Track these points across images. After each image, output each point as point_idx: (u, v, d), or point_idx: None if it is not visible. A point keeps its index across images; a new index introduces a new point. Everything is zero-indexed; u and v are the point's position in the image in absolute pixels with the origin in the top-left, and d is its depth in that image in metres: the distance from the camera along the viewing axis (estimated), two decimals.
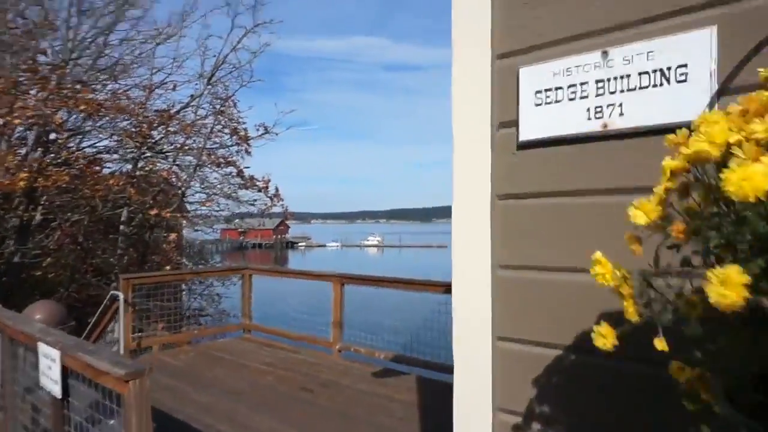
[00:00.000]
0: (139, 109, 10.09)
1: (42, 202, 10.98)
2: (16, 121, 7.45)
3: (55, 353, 2.75)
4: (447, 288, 5.36)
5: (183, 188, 10.72)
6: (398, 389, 5.18)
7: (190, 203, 14.12)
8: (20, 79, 8.04)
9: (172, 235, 10.68)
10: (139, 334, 8.65)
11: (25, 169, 7.59)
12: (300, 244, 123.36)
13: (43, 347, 2.87)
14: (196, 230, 15.30)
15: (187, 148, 11.48)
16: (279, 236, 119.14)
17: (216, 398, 4.96)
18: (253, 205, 11.67)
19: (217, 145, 11.50)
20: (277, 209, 12.35)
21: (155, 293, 6.96)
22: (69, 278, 12.62)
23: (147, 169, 11.83)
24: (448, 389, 1.77)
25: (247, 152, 12.14)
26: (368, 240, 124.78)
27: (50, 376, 2.82)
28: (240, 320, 7.69)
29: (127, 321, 6.36)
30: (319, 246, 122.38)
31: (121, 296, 6.29)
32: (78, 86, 8.45)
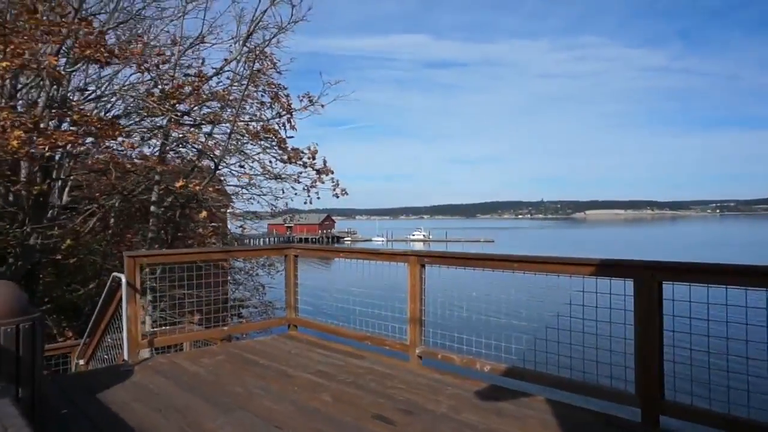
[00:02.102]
0: (163, 63, 8.50)
1: (69, 184, 9.70)
2: (3, 64, 5.94)
3: None
4: (598, 268, 3.41)
5: (216, 160, 9.05)
6: (524, 421, 3.28)
7: (228, 183, 12.62)
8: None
9: (203, 214, 9.07)
10: (161, 328, 7.13)
11: (20, 125, 6.08)
12: (346, 238, 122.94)
13: None
14: (239, 225, 13.82)
15: (222, 118, 9.83)
16: (325, 231, 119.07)
17: (242, 430, 3.21)
18: (298, 181, 9.90)
19: (255, 116, 9.78)
20: (325, 187, 10.54)
21: (187, 278, 5.33)
22: (100, 265, 11.38)
23: (179, 140, 10.31)
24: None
25: (291, 126, 10.39)
26: (414, 234, 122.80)
27: None
28: (284, 313, 5.97)
29: (132, 311, 4.71)
30: (365, 240, 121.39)
31: (124, 279, 4.64)
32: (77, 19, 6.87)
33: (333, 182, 9.76)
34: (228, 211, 22.32)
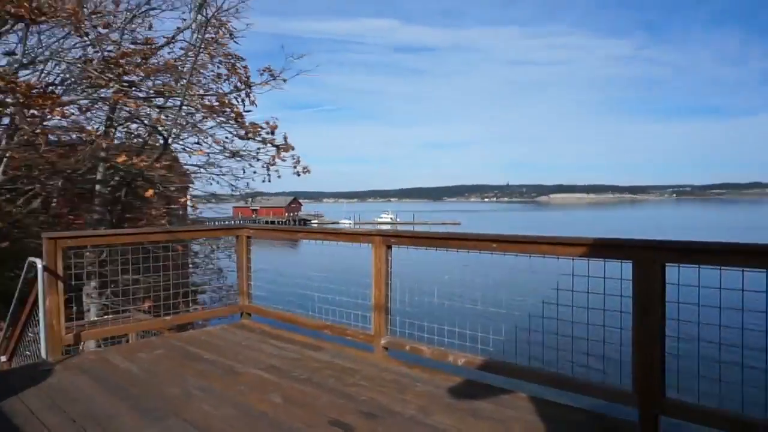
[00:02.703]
0: (105, 27, 7.62)
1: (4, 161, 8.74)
2: None
3: None
4: (592, 248, 2.97)
5: (166, 135, 8.25)
6: (505, 425, 2.84)
7: (186, 162, 11.81)
8: None
9: (149, 192, 8.30)
10: (107, 317, 6.49)
11: None
12: (313, 221, 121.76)
13: None
14: (191, 205, 13.10)
15: (175, 92, 8.97)
16: (292, 214, 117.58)
17: None
18: (257, 158, 9.19)
19: (210, 89, 8.96)
20: (286, 165, 9.85)
21: (135, 262, 4.70)
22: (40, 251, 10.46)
23: (130, 116, 9.44)
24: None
25: (251, 101, 9.60)
26: (381, 217, 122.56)
27: None
28: (236, 300, 5.38)
29: (54, 302, 4.05)
30: (333, 223, 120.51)
31: (40, 264, 3.97)
32: None
33: (294, 159, 9.11)
34: (189, 192, 21.31)
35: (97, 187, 9.55)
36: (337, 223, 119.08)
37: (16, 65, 8.04)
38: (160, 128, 8.24)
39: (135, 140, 10.21)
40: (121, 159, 7.38)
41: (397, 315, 4.07)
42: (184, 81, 8.06)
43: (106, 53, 7.51)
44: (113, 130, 9.26)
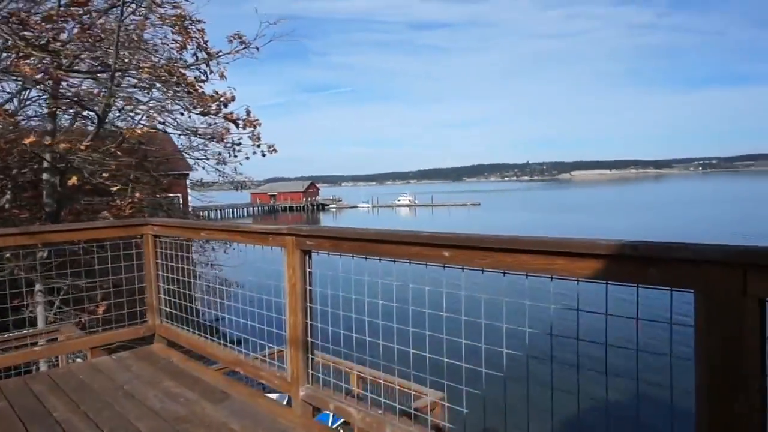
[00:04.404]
0: None
1: None
2: None
3: None
4: (619, 265, 1.58)
5: (99, 111, 6.96)
6: None
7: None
8: None
9: (72, 179, 7.08)
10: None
11: None
12: (331, 205, 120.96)
13: None
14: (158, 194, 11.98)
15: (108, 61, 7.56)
16: (309, 198, 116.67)
17: None
18: (219, 138, 7.90)
19: (156, 55, 7.61)
20: (246, 143, 8.50)
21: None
22: None
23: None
24: None
25: (212, 72, 8.19)
26: (399, 200, 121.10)
27: None
28: (144, 319, 4.12)
29: None
30: (351, 207, 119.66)
31: None
32: None
33: (253, 135, 7.77)
34: (188, 180, 20.06)
35: (44, 176, 8.39)
36: (356, 207, 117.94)
37: None
38: (88, 102, 6.97)
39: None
40: (29, 140, 6.16)
41: (327, 348, 2.75)
42: (113, 46, 6.67)
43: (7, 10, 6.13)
44: (57, 110, 8.02)
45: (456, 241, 1.99)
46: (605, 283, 1.59)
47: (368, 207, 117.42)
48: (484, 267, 1.91)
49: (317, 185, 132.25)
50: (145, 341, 4.01)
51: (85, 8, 6.33)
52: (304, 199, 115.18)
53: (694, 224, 45.57)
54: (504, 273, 1.86)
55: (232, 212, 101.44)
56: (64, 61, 6.23)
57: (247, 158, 8.32)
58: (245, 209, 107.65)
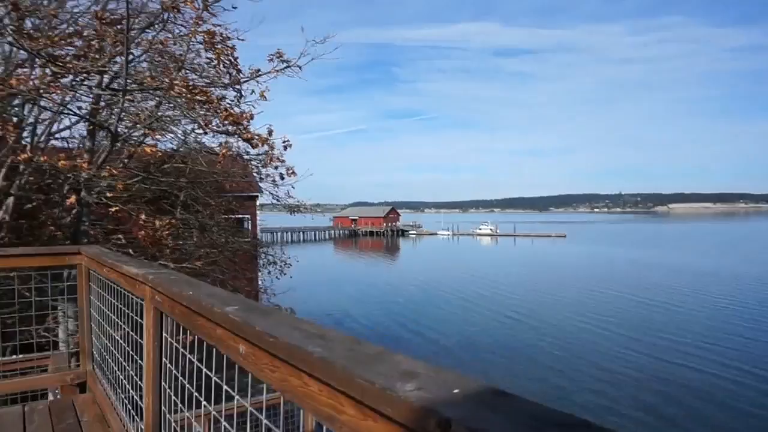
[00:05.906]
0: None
1: None
2: None
3: None
4: None
5: (112, 129, 6.55)
6: None
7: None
8: None
9: (71, 198, 6.75)
10: None
11: None
12: (411, 231, 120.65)
13: None
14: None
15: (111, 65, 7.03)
16: (390, 224, 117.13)
17: None
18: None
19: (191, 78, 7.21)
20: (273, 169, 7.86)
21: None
22: None
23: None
24: None
25: (260, 93, 7.62)
26: (481, 228, 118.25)
27: None
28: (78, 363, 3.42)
29: None
30: (430, 234, 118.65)
31: None
32: None
33: (269, 149, 7.19)
34: (258, 203, 19.95)
35: (82, 193, 8.19)
36: (435, 234, 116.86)
37: None
38: (99, 121, 6.63)
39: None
40: (24, 156, 5.87)
41: None
42: (122, 57, 6.21)
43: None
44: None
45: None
46: None
47: (448, 234, 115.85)
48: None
49: (398, 211, 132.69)
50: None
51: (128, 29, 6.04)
52: (384, 224, 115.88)
53: None
54: None
55: (314, 235, 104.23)
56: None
57: (274, 182, 7.87)
58: (327, 232, 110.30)
